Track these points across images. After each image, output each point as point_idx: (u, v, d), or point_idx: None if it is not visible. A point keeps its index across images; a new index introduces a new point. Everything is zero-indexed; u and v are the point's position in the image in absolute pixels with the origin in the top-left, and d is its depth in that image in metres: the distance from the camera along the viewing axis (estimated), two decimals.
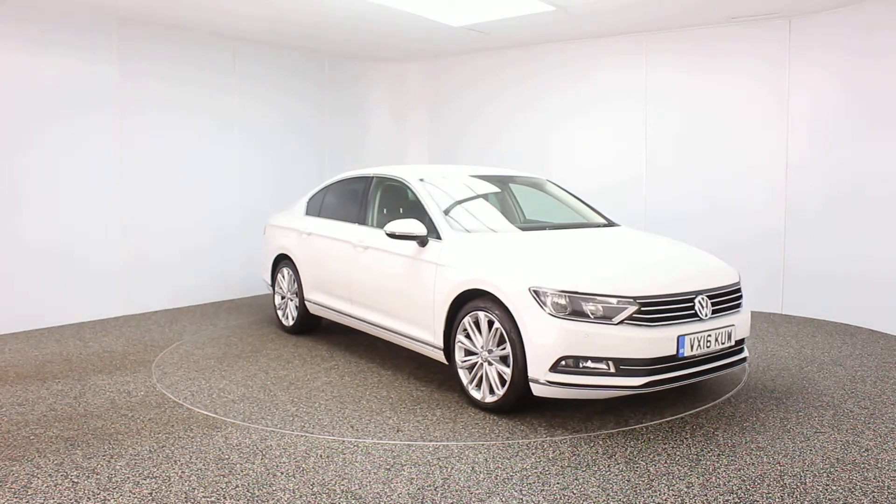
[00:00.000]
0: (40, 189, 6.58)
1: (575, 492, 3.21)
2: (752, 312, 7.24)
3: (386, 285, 5.16)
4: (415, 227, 4.77)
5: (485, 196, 5.56)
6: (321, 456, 3.63)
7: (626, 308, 3.87)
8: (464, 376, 4.44)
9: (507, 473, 3.41)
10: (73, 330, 6.57)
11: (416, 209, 5.10)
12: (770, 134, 7.19)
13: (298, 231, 6.29)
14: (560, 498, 3.16)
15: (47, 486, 3.28)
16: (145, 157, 7.35)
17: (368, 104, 9.80)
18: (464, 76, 9.28)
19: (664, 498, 3.15)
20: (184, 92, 7.66)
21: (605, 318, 3.86)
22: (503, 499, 3.15)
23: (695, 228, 7.62)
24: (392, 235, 4.82)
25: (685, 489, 3.24)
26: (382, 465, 3.50)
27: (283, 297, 6.58)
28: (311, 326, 6.39)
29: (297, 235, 6.29)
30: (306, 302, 6.19)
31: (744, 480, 3.33)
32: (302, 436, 3.90)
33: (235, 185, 8.26)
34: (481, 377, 4.30)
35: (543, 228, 5.09)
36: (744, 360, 4.44)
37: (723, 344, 4.15)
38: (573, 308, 3.89)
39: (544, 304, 3.93)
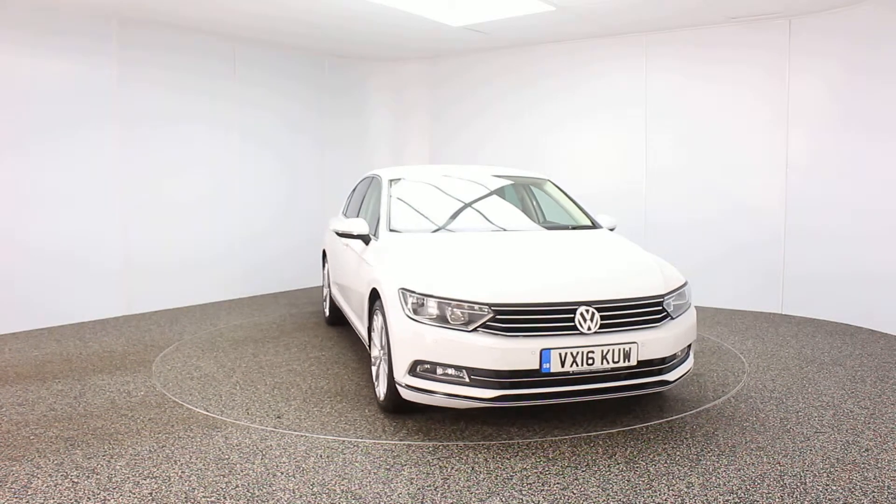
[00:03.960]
0: (41, 190, 6.58)
1: (575, 492, 3.21)
2: (753, 312, 7.26)
3: (347, 281, 5.43)
4: (356, 225, 4.87)
5: (470, 197, 5.38)
6: (321, 456, 3.63)
7: (483, 315, 3.67)
8: (374, 373, 4.49)
9: (507, 473, 3.41)
10: (73, 330, 6.57)
11: None
12: (770, 134, 7.19)
13: (331, 229, 6.57)
14: (560, 498, 3.16)
15: (47, 486, 3.28)
16: (145, 159, 7.35)
17: (369, 104, 9.79)
18: (464, 76, 9.27)
19: (664, 498, 3.15)
20: (184, 93, 7.66)
21: (464, 324, 3.69)
22: (503, 499, 3.15)
23: (695, 229, 7.63)
24: (339, 234, 4.96)
25: (685, 489, 3.24)
26: (382, 465, 3.50)
27: (326, 290, 6.98)
28: (342, 318, 6.58)
29: (330, 234, 6.62)
30: (331, 295, 6.53)
31: (744, 480, 3.33)
32: (302, 436, 3.90)
33: (235, 185, 8.26)
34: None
35: (500, 230, 4.90)
36: (661, 383, 3.90)
37: (615, 363, 3.70)
38: (438, 312, 3.75)
39: (406, 305, 3.85)
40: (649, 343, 3.79)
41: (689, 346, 4.18)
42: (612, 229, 5.28)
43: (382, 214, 4.95)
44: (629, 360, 3.73)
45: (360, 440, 3.84)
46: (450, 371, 3.70)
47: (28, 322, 6.57)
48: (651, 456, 3.62)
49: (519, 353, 3.59)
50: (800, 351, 5.75)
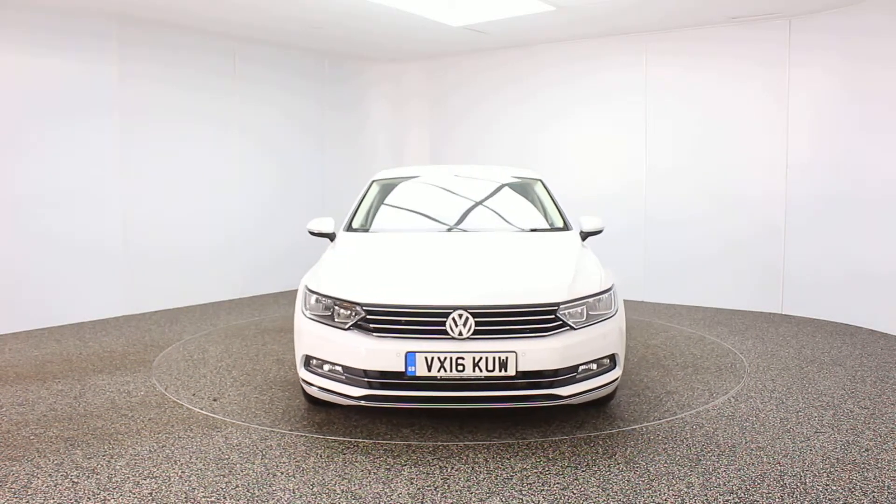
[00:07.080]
0: (40, 189, 6.58)
1: (575, 492, 3.21)
2: (752, 312, 7.25)
3: None
4: (322, 224, 4.98)
5: (447, 197, 5.27)
6: (321, 456, 3.63)
7: (357, 314, 3.72)
8: None
9: (507, 473, 3.41)
10: (73, 330, 6.57)
11: None
12: (770, 134, 7.19)
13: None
14: (560, 498, 3.16)
15: (47, 486, 3.28)
16: (146, 158, 7.36)
17: (369, 104, 9.80)
18: (464, 76, 9.28)
19: (664, 498, 3.15)
20: (184, 93, 7.67)
21: (343, 322, 3.76)
22: (503, 499, 3.15)
23: (695, 227, 7.64)
24: (311, 233, 5.04)
25: (685, 489, 3.24)
26: (382, 465, 3.50)
27: None
28: None
29: None
30: None
31: (744, 480, 3.33)
32: (302, 436, 3.91)
33: (235, 185, 8.27)
34: None
35: (449, 231, 4.81)
36: (550, 397, 3.65)
37: (489, 372, 3.54)
38: (326, 310, 3.86)
39: (305, 302, 4.00)
40: (532, 353, 3.58)
41: (613, 358, 3.89)
42: (596, 231, 4.99)
43: (348, 214, 5.09)
44: (506, 370, 3.55)
45: (360, 440, 3.85)
46: (334, 368, 3.78)
47: (28, 322, 6.57)
48: (651, 456, 3.62)
49: (384, 353, 3.60)
50: (800, 351, 5.75)
